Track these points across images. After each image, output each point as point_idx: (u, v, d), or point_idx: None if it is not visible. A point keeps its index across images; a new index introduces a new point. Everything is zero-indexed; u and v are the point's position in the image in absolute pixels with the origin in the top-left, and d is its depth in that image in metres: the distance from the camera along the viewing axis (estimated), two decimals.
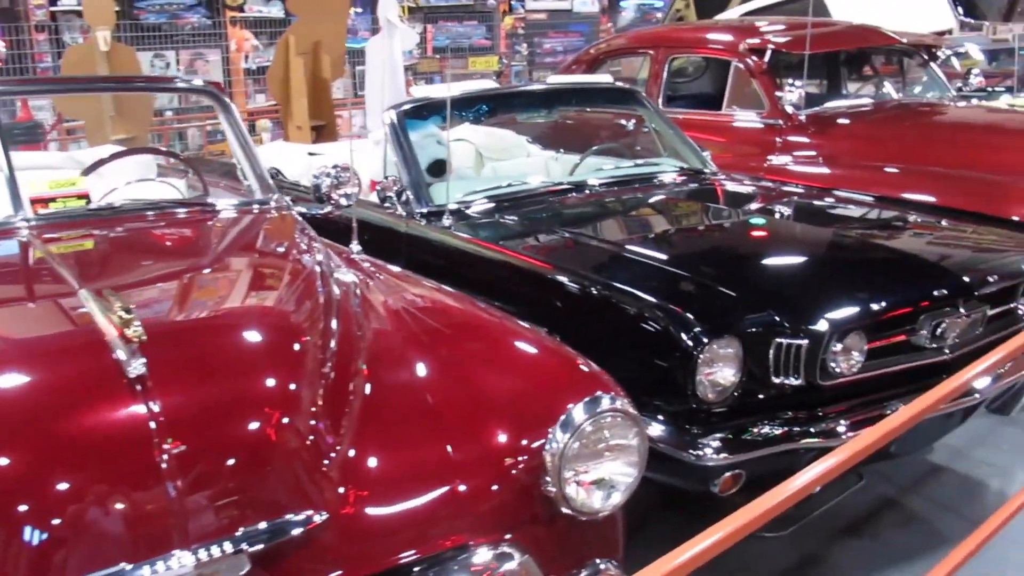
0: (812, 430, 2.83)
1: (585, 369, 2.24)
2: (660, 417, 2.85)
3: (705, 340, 2.74)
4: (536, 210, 4.04)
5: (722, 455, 2.76)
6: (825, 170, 5.30)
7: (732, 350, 2.81)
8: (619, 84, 5.42)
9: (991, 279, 3.17)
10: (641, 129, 5.23)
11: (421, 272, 3.86)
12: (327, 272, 2.65)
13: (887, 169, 5.09)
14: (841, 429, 2.83)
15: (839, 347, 2.86)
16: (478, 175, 4.92)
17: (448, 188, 4.17)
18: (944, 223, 3.81)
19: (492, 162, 5.59)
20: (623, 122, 5.41)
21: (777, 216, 3.93)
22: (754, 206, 4.14)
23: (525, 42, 13.04)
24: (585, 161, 4.90)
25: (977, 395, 3.03)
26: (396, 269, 3.02)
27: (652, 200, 4.22)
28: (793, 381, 2.87)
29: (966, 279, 3.11)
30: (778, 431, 2.84)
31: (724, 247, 3.53)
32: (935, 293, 3.03)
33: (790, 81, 5.56)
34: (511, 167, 5.09)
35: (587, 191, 4.26)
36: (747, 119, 5.87)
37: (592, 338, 3.03)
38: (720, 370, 2.81)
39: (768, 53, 5.74)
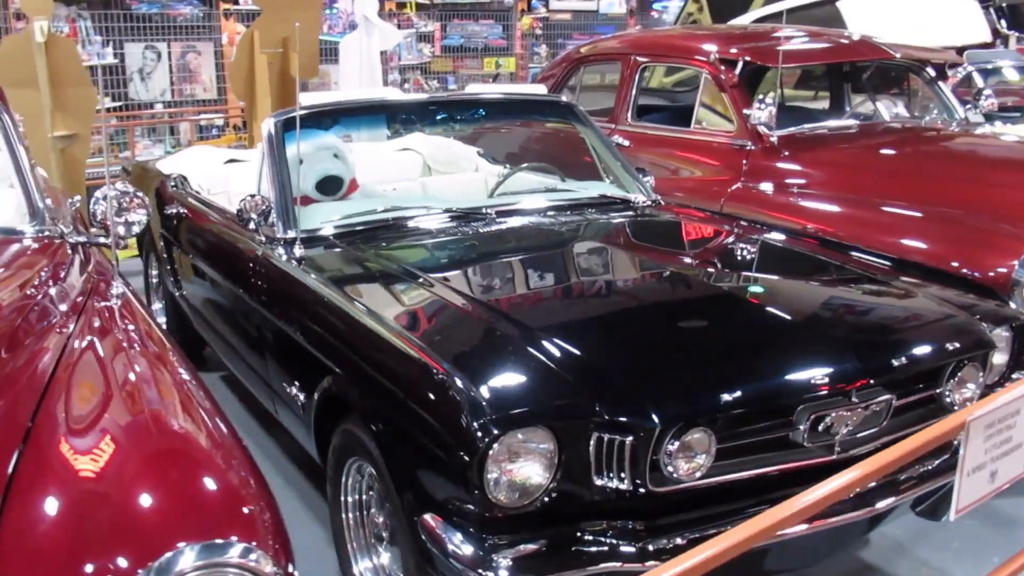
0: (624, 548, 2.24)
1: (233, 502, 1.68)
2: (454, 520, 2.30)
3: (496, 431, 2.17)
4: (405, 244, 3.52)
5: None
6: (790, 202, 4.65)
7: (539, 444, 2.24)
8: (553, 96, 4.84)
9: (896, 362, 2.53)
10: (576, 148, 4.65)
11: (274, 306, 3.40)
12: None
13: (856, 206, 4.41)
14: (656, 550, 2.23)
15: (676, 446, 2.27)
16: (422, 189, 4.40)
17: (303, 212, 3.67)
18: (879, 284, 3.16)
19: (435, 175, 5.10)
20: (555, 139, 4.84)
21: (667, 270, 3.25)
22: (650, 253, 3.52)
23: (545, 43, 12.45)
24: (511, 179, 4.38)
25: (877, 504, 2.42)
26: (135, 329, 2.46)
27: (536, 240, 3.64)
28: (619, 485, 2.28)
29: (858, 362, 2.48)
30: (589, 549, 2.26)
31: (577, 310, 2.91)
32: (812, 381, 2.41)
33: (760, 98, 4.90)
34: (411, 189, 4.56)
35: (482, 219, 3.71)
36: (715, 139, 5.24)
37: (391, 412, 2.50)
38: (522, 468, 2.24)
39: (740, 65, 5.10)
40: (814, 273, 3.35)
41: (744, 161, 4.98)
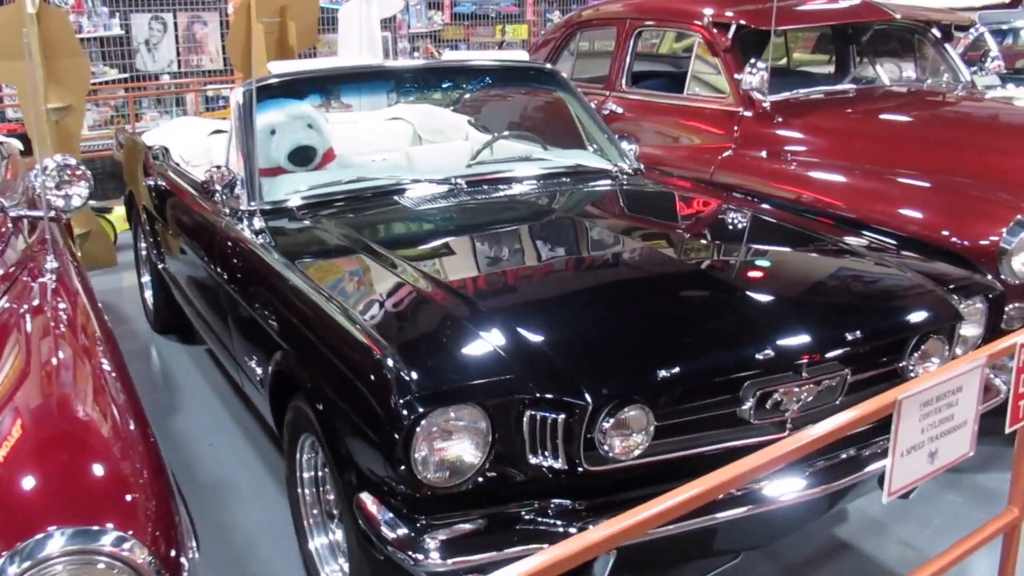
0: (561, 529, 2.17)
1: (116, 490, 1.62)
2: (388, 501, 2.24)
3: (421, 409, 2.10)
4: (368, 216, 3.45)
5: (448, 559, 2.14)
6: (780, 169, 4.52)
7: (469, 422, 2.17)
8: (535, 63, 4.71)
9: (850, 335, 2.42)
10: (560, 116, 4.54)
11: (234, 279, 3.35)
12: None
13: (850, 173, 4.27)
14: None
15: (610, 423, 2.19)
16: (407, 160, 4.31)
17: (269, 184, 3.62)
18: (847, 254, 3.03)
19: (425, 144, 5.02)
20: (539, 107, 4.73)
21: (627, 243, 3.14)
22: (614, 226, 3.37)
23: (559, 9, 12.25)
24: (489, 149, 4.28)
25: (826, 483, 2.33)
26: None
27: (501, 213, 3.55)
28: (554, 464, 2.21)
29: (808, 336, 2.38)
30: (525, 528, 2.19)
31: (528, 286, 2.79)
32: (757, 355, 2.31)
33: (752, 62, 4.76)
34: (396, 159, 4.47)
35: (452, 191, 3.63)
36: (707, 105, 5.10)
37: (330, 390, 2.44)
38: (453, 446, 2.17)
39: (733, 28, 4.95)
40: (779, 243, 3.24)
41: (736, 128, 4.85)
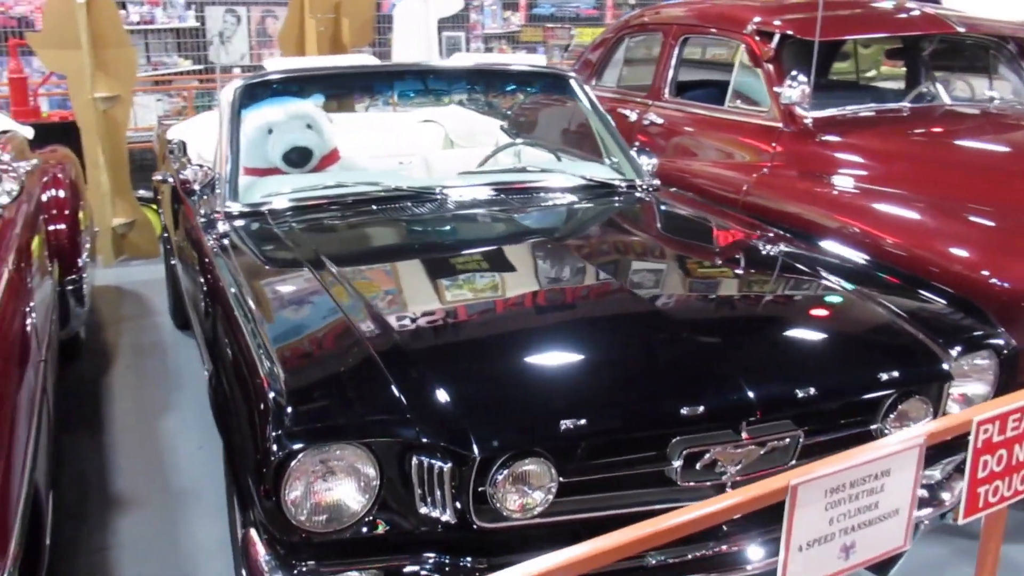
0: None
1: None
2: (273, 544, 2.04)
3: (293, 445, 1.90)
4: (336, 224, 3.27)
5: None
6: (815, 191, 4.16)
7: (350, 463, 1.96)
8: (552, 68, 4.46)
9: (800, 392, 2.12)
10: (575, 125, 4.30)
11: (196, 282, 3.20)
12: None
13: (886, 200, 3.88)
14: None
15: (502, 476, 1.94)
16: (424, 166, 4.11)
17: (248, 185, 3.47)
18: (834, 295, 2.68)
19: (456, 149, 4.85)
20: (554, 114, 4.49)
21: (585, 274, 2.83)
22: (582, 252, 3.03)
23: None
24: (496, 158, 4.08)
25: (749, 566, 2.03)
26: None
27: (470, 231, 3.32)
28: (441, 516, 1.98)
29: (747, 392, 2.08)
30: None
31: (462, 318, 2.49)
32: (682, 411, 2.03)
33: (793, 74, 4.41)
34: (416, 163, 4.29)
35: (436, 200, 3.42)
36: (747, 119, 4.77)
37: (231, 415, 2.27)
38: (333, 489, 1.97)
39: (776, 38, 4.62)
40: (755, 280, 2.91)
41: (773, 145, 4.51)
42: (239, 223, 3.23)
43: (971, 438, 1.69)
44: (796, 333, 2.49)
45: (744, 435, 2.06)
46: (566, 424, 1.95)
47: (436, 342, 2.33)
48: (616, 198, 3.64)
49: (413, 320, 2.39)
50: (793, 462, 2.16)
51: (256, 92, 3.75)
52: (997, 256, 3.36)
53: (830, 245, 3.33)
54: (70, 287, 4.14)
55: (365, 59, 4.42)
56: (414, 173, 4.19)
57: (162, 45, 9.59)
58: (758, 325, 2.49)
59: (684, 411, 2.01)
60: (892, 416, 2.26)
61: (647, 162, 3.97)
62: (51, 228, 4.07)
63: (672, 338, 2.29)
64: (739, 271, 2.98)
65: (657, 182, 3.86)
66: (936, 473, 2.37)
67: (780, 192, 4.29)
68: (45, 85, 7.99)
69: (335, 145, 4.00)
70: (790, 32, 4.60)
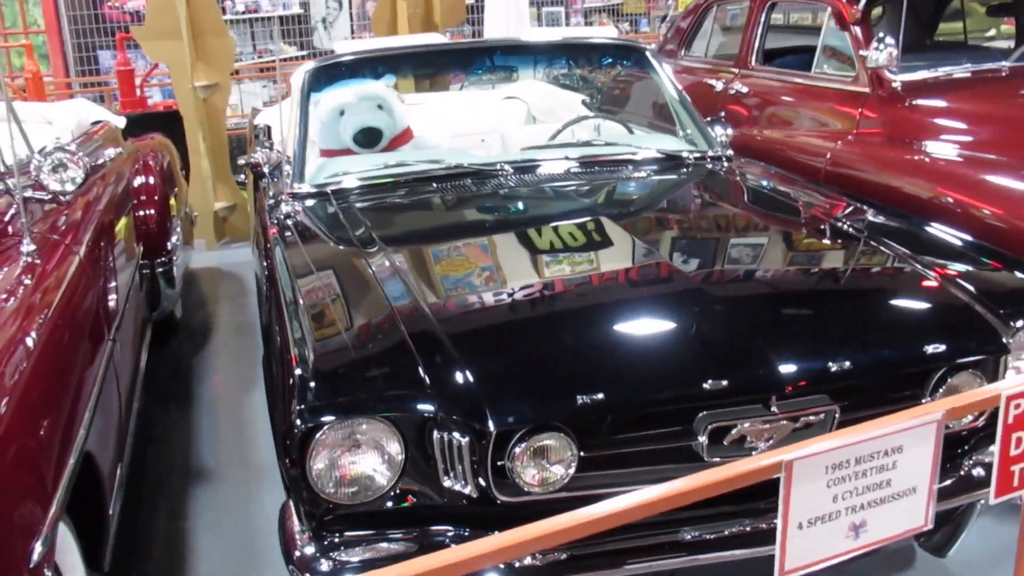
0: None
1: None
2: (302, 513, 2.10)
3: (316, 418, 1.94)
4: (401, 203, 3.31)
5: None
6: (901, 158, 3.97)
7: (375, 437, 1.99)
8: (622, 40, 4.37)
9: (834, 366, 2.03)
10: (646, 97, 4.22)
11: (260, 267, 3.28)
12: None
13: (981, 171, 3.67)
14: None
15: (521, 450, 1.94)
16: (501, 143, 4.12)
17: (319, 166, 3.53)
18: (889, 267, 2.56)
19: (539, 124, 4.83)
20: (626, 87, 4.40)
21: (637, 247, 2.74)
22: (637, 226, 2.96)
23: None
24: (565, 133, 4.05)
25: None
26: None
27: (531, 208, 3.27)
28: (464, 490, 1.99)
29: (777, 364, 2.00)
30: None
31: (500, 293, 2.47)
32: (705, 385, 1.97)
33: (881, 35, 4.22)
34: (493, 141, 4.30)
35: (497, 177, 3.41)
36: (833, 85, 4.59)
37: (273, 392, 2.33)
38: (359, 462, 2.00)
39: None
40: (805, 251, 2.79)
41: (860, 111, 4.33)
42: (302, 204, 3.30)
43: (1000, 414, 1.59)
44: (837, 303, 2.39)
45: (774, 409, 1.99)
46: (583, 399, 1.93)
47: (467, 319, 2.33)
48: (683, 170, 3.56)
49: (448, 298, 2.40)
50: None
51: (325, 75, 3.81)
52: None
53: (905, 214, 3.17)
54: (160, 270, 4.31)
55: (433, 39, 4.43)
56: (492, 150, 4.20)
57: (267, 32, 9.85)
58: (797, 296, 2.40)
59: (707, 385, 1.96)
60: (941, 391, 2.15)
61: (721, 133, 3.88)
62: (140, 213, 4.24)
63: (704, 310, 2.23)
64: (789, 241, 2.86)
65: (730, 152, 3.76)
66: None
67: (864, 160, 4.12)
68: (153, 75, 8.31)
69: (407, 125, 4.04)
70: None
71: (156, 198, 4.40)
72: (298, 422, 1.94)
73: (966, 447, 2.26)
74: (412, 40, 4.51)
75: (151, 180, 4.46)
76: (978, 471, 2.19)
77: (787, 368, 2.01)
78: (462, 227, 3.12)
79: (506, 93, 5.24)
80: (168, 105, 7.40)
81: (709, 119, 3.95)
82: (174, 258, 4.46)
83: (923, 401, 2.16)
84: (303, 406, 1.96)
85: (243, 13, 9.54)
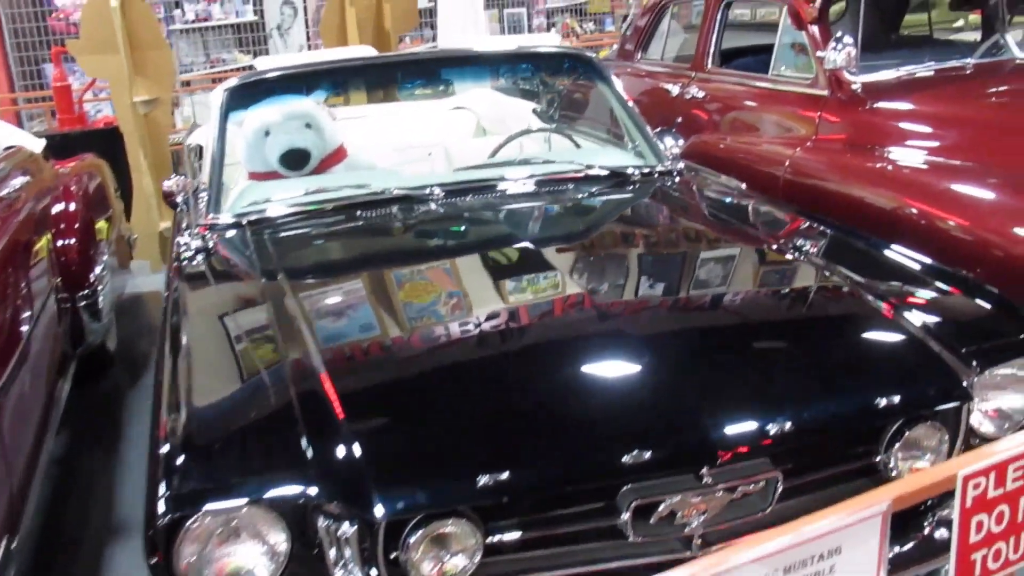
0: None
1: None
2: None
3: (187, 506, 1.69)
4: (315, 234, 3.05)
5: None
6: (860, 165, 3.75)
7: (255, 524, 1.74)
8: (565, 48, 4.14)
9: (774, 428, 1.79)
10: (594, 108, 3.99)
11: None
12: None
13: (944, 179, 3.45)
14: None
15: (415, 539, 1.69)
16: (445, 157, 3.85)
17: (235, 193, 3.27)
18: (840, 305, 2.30)
19: (489, 136, 4.59)
20: (574, 98, 4.17)
21: (566, 283, 2.45)
22: (564, 260, 2.67)
23: None
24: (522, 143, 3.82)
25: None
26: None
27: (455, 237, 3.03)
28: None
29: (706, 430, 1.77)
30: None
31: (405, 349, 2.18)
32: (623, 457, 1.73)
33: (839, 34, 4.00)
34: (437, 156, 4.05)
35: (426, 202, 3.15)
36: (790, 88, 4.36)
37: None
38: (235, 554, 1.75)
39: None
40: (745, 287, 2.52)
41: (819, 114, 4.10)
42: (215, 238, 3.04)
43: (956, 497, 1.36)
44: (779, 351, 2.13)
45: (708, 480, 1.75)
46: (486, 479, 1.68)
47: (361, 378, 2.07)
48: (628, 188, 3.32)
49: (345, 351, 2.15)
50: (769, 508, 1.84)
51: (246, 93, 3.55)
52: None
53: (862, 234, 2.92)
54: (83, 303, 4.04)
55: (363, 51, 4.18)
56: (436, 165, 3.95)
57: (220, 41, 9.56)
58: (735, 343, 2.12)
59: (627, 459, 1.72)
60: (898, 445, 1.92)
61: (671, 144, 3.65)
62: (59, 243, 3.97)
63: (628, 365, 1.98)
64: (730, 277, 2.59)
65: (681, 166, 3.53)
66: None
67: (823, 168, 3.91)
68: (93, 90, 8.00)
69: (339, 143, 3.79)
70: None
71: (77, 226, 4.13)
72: (163, 509, 1.69)
73: (928, 503, 2.02)
74: (339, 54, 4.26)
75: (72, 207, 4.19)
76: (941, 533, 1.96)
77: (720, 432, 1.77)
78: (375, 264, 2.85)
79: (455, 104, 5.00)
80: (109, 121, 7.11)
81: (659, 130, 3.72)
82: (100, 288, 4.19)
83: (877, 459, 1.92)
84: (170, 491, 1.71)
85: (193, 22, 9.24)
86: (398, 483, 1.70)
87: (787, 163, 4.03)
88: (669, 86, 5.17)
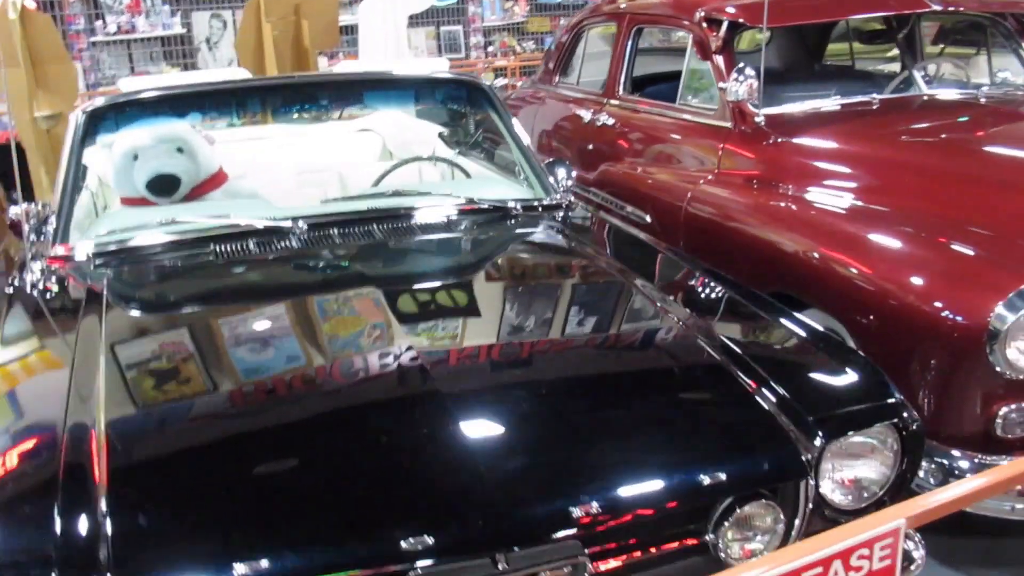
0: None
1: None
2: None
3: None
4: (159, 271, 2.85)
5: None
6: (757, 203, 3.61)
7: None
8: (454, 74, 3.98)
9: (578, 510, 1.61)
10: (489, 134, 3.83)
11: None
12: None
13: (832, 218, 3.32)
14: None
15: None
16: (338, 182, 3.66)
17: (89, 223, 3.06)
18: (689, 368, 2.13)
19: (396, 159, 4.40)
20: (474, 123, 4.01)
21: (377, 346, 2.24)
22: (410, 306, 2.49)
23: None
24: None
25: None
26: None
27: (303, 277, 2.83)
28: None
29: (502, 511, 1.59)
30: None
31: (194, 401, 2.02)
32: (403, 544, 1.54)
33: (740, 66, 3.87)
34: (324, 182, 3.87)
35: (286, 237, 2.95)
36: (694, 119, 4.23)
37: None
38: None
39: (724, 25, 4.07)
40: (574, 346, 2.33)
41: (721, 147, 3.97)
42: (57, 272, 2.83)
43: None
44: (599, 423, 1.92)
45: (503, 567, 1.57)
46: (244, 568, 1.48)
47: (135, 448, 1.86)
48: (507, 222, 3.15)
49: (131, 413, 1.94)
50: None
51: (107, 117, 3.35)
52: (947, 286, 2.80)
53: (740, 284, 2.74)
54: None
55: (237, 73, 3.99)
56: (330, 191, 3.77)
57: (147, 54, 9.30)
58: (551, 412, 1.93)
59: (406, 544, 1.53)
60: (728, 523, 1.75)
61: (563, 177, 3.49)
62: None
63: (424, 435, 1.79)
64: (577, 334, 2.38)
65: (571, 199, 3.37)
66: None
67: (722, 203, 3.76)
68: None
69: (216, 168, 3.59)
70: (741, 20, 4.05)
71: None
72: None
73: None
74: (209, 76, 4.06)
75: None
76: None
77: (518, 513, 1.59)
78: (206, 306, 2.64)
79: (360, 125, 4.82)
80: (5, 137, 6.84)
81: (551, 160, 3.57)
82: None
83: (706, 537, 1.75)
84: None
85: (116, 34, 8.96)
86: (135, 567, 1.50)
87: (689, 195, 3.89)
88: (581, 112, 5.03)
